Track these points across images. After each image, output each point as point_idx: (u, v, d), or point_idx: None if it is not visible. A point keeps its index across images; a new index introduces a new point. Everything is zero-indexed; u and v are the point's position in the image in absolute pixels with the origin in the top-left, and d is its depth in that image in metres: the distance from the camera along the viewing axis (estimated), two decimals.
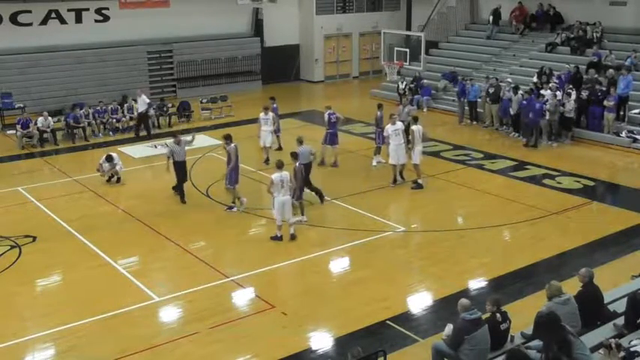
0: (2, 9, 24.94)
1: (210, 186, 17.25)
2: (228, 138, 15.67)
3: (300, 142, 16.07)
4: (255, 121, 20.03)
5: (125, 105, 23.56)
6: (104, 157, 17.78)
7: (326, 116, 18.81)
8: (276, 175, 13.73)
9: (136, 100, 22.91)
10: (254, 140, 19.63)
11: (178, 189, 16.42)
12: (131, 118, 23.47)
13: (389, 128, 17.02)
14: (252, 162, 18.85)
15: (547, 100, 20.86)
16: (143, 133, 22.75)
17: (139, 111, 22.63)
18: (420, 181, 17.13)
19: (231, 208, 15.69)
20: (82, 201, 16.78)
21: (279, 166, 13.93)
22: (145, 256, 13.64)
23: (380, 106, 19.26)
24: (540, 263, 12.98)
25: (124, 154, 20.08)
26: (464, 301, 8.62)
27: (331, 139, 18.69)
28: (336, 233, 14.48)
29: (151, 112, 23.38)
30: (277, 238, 13.97)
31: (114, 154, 17.97)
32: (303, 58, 32.74)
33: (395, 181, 17.26)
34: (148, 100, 22.82)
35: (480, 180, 17.96)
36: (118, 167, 17.75)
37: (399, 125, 17.23)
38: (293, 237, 14.02)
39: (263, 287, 12.30)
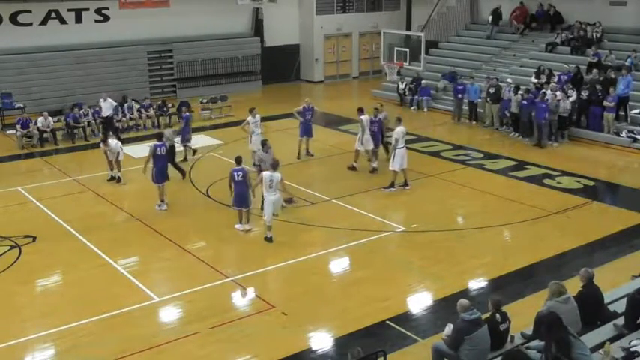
0: (2, 9, 24.94)
1: (210, 186, 17.25)
2: (159, 138, 16.12)
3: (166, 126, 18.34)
4: None
5: (125, 105, 23.56)
6: (101, 143, 17.82)
7: (301, 109, 19.55)
8: (266, 174, 13.77)
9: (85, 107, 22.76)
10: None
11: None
12: (131, 119, 23.47)
13: (399, 131, 16.80)
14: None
15: (547, 100, 20.86)
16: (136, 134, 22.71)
17: (105, 115, 22.01)
18: (374, 165, 18.38)
19: (160, 206, 15.91)
20: (82, 201, 16.78)
21: (274, 166, 13.94)
22: (145, 256, 13.64)
23: (361, 110, 18.70)
24: (540, 263, 12.98)
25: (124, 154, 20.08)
26: (463, 301, 8.62)
27: (310, 131, 19.57)
28: (336, 233, 14.47)
29: (118, 116, 22.87)
30: (267, 239, 13.93)
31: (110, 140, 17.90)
32: (303, 58, 32.75)
33: (392, 185, 17.04)
34: (114, 104, 22.44)
35: (480, 180, 17.96)
36: (120, 152, 17.69)
37: (402, 129, 16.99)
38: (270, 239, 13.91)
39: (263, 287, 12.31)
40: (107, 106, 22.10)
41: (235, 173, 14.08)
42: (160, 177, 15.75)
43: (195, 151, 19.95)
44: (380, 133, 18.25)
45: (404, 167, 16.92)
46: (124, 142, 21.66)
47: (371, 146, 18.27)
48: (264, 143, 15.73)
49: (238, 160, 14.30)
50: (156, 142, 15.95)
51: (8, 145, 21.81)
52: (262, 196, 14.04)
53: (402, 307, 11.45)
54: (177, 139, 18.72)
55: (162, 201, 15.88)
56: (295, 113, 19.66)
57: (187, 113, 19.98)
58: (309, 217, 15.37)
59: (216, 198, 16.37)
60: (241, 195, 14.17)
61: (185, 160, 19.28)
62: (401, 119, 17.17)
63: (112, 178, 17.88)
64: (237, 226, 14.46)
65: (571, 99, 21.13)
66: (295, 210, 15.68)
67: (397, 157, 16.70)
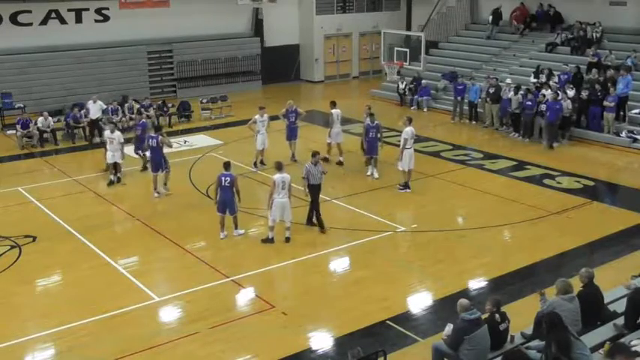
0: (2, 9, 24.95)
1: (210, 186, 17.21)
2: (156, 130, 17.20)
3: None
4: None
5: (125, 105, 23.56)
6: (108, 130, 17.69)
7: (285, 112, 19.33)
8: (277, 177, 13.63)
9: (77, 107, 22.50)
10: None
11: (315, 216, 14.60)
12: (131, 119, 23.45)
13: (409, 131, 16.76)
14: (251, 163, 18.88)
15: (547, 100, 20.88)
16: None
17: (94, 117, 21.76)
18: (341, 158, 19.04)
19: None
20: (82, 201, 16.78)
21: (279, 167, 13.84)
22: (145, 256, 13.64)
23: (333, 103, 19.12)
24: (540, 263, 12.99)
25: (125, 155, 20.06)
26: (463, 301, 8.63)
27: (295, 134, 19.42)
28: (336, 233, 14.47)
29: (117, 116, 22.73)
30: (269, 241, 13.87)
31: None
32: (303, 58, 32.75)
33: (404, 187, 16.99)
34: (104, 106, 22.28)
35: (480, 180, 17.96)
36: (120, 151, 17.49)
37: (411, 129, 16.91)
38: (288, 240, 13.90)
39: (263, 287, 12.31)
40: (96, 109, 21.90)
41: (223, 178, 13.86)
42: (154, 167, 16.56)
43: (145, 167, 18.51)
44: (377, 139, 17.63)
45: (411, 167, 16.94)
46: (124, 142, 21.75)
47: (340, 140, 18.91)
48: (314, 154, 14.55)
49: (227, 165, 14.12)
50: (150, 134, 16.81)
51: (8, 145, 21.81)
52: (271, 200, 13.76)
53: (402, 307, 11.46)
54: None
55: (155, 189, 16.71)
56: (281, 116, 19.44)
57: (143, 120, 19.27)
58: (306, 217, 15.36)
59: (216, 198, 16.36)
60: (225, 201, 13.89)
61: (145, 168, 18.38)
62: (411, 119, 17.12)
63: (112, 182, 17.65)
64: (221, 235, 14.15)
65: (569, 95, 21.11)
66: (295, 210, 15.69)
67: (405, 158, 16.72)
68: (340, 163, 18.91)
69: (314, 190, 14.45)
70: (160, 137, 16.59)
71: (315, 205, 14.60)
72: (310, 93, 30.65)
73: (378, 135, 17.63)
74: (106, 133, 17.79)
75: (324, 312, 11.39)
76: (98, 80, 26.11)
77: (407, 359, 9.90)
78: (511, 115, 22.12)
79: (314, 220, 14.70)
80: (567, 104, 20.83)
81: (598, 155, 20.28)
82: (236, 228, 14.28)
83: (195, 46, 29.00)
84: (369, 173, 18.15)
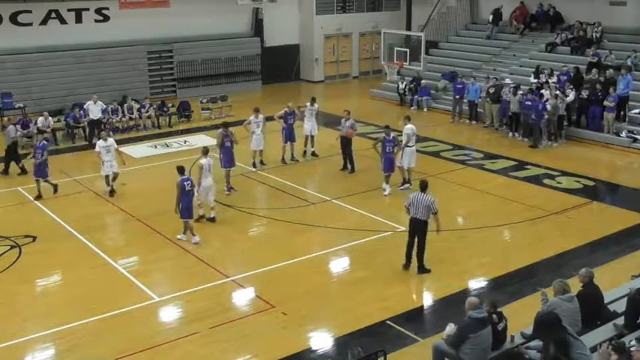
0: (2, 9, 24.95)
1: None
2: (226, 126, 17.21)
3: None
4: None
5: (125, 105, 23.56)
6: (100, 140, 16.98)
7: (282, 114, 19.32)
8: (204, 161, 14.55)
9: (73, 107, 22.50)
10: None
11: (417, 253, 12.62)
12: (131, 119, 23.46)
13: (408, 129, 16.79)
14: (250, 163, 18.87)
15: (547, 100, 20.88)
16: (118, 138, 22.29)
17: (96, 118, 21.61)
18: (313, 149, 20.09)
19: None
20: (82, 201, 16.78)
21: (205, 152, 14.76)
22: (145, 256, 13.64)
23: (256, 109, 18.84)
24: (540, 263, 12.99)
25: (124, 154, 20.02)
26: (472, 299, 8.55)
27: (293, 136, 19.42)
28: (336, 233, 14.47)
29: (117, 116, 22.94)
30: (212, 219, 14.92)
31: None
32: (303, 58, 32.75)
33: (404, 183, 17.02)
34: (104, 107, 22.20)
35: (480, 180, 17.96)
36: (113, 161, 16.82)
37: (412, 127, 16.95)
38: (213, 219, 14.91)
39: (263, 287, 12.30)
40: (97, 109, 21.83)
41: (185, 183, 13.65)
42: (229, 162, 16.83)
43: (56, 189, 16.95)
44: (394, 154, 16.58)
45: (411, 166, 16.94)
46: (124, 142, 21.75)
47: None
48: (424, 185, 12.71)
49: (182, 170, 13.96)
50: (221, 131, 16.96)
51: None
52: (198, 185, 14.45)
53: (402, 307, 11.45)
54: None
55: (227, 183, 16.94)
56: (276, 118, 19.25)
57: (44, 142, 17.27)
58: (309, 217, 15.36)
59: (215, 198, 16.36)
60: (191, 205, 13.79)
61: (39, 196, 16.61)
62: (410, 117, 17.27)
63: (113, 191, 16.90)
64: (179, 236, 13.98)
65: (568, 99, 21.10)
66: (295, 210, 15.71)
67: (405, 155, 16.73)
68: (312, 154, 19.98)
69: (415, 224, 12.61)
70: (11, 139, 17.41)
71: (414, 244, 12.73)
72: (310, 93, 30.51)
73: (395, 149, 16.59)
74: (99, 142, 16.84)
75: (324, 312, 11.39)
76: (98, 80, 26.09)
77: (407, 359, 9.90)
78: (511, 115, 22.12)
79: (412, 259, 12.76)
80: (556, 103, 20.75)
81: (598, 155, 20.29)
82: (184, 232, 14.01)
83: (195, 46, 29.01)
84: (386, 193, 16.82)
